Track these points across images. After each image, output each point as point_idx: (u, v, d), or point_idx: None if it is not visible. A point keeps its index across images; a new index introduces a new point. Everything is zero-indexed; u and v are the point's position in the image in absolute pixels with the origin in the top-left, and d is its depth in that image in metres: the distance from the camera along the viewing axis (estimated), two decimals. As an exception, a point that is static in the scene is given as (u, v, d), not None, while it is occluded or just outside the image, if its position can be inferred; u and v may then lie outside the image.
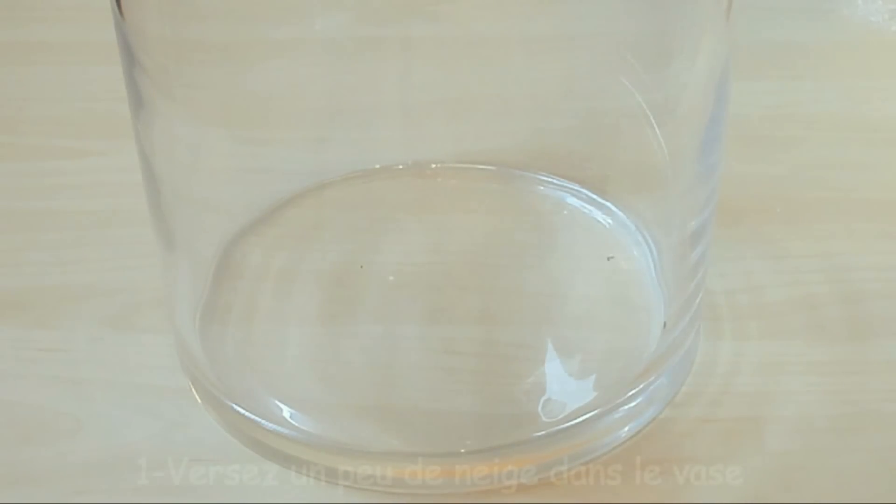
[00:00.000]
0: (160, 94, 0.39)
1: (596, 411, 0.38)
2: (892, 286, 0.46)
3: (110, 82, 0.43)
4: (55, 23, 0.65)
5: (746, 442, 0.40)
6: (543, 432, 0.38)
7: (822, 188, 0.52)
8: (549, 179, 0.46)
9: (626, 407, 0.39)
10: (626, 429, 0.40)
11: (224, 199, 0.45)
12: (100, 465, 0.39)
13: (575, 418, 0.38)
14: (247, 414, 0.39)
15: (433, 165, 0.46)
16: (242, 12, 0.41)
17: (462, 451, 0.37)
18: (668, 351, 0.41)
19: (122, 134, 0.43)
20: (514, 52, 0.37)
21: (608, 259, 0.43)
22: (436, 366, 0.38)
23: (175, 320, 0.42)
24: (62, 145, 0.55)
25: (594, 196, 0.46)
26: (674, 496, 0.38)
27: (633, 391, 0.39)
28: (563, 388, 0.39)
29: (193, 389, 0.42)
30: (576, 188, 0.46)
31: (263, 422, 0.39)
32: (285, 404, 0.38)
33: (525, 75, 0.39)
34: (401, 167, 0.45)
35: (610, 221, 0.45)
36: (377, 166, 0.45)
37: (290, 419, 0.38)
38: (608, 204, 0.46)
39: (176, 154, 0.41)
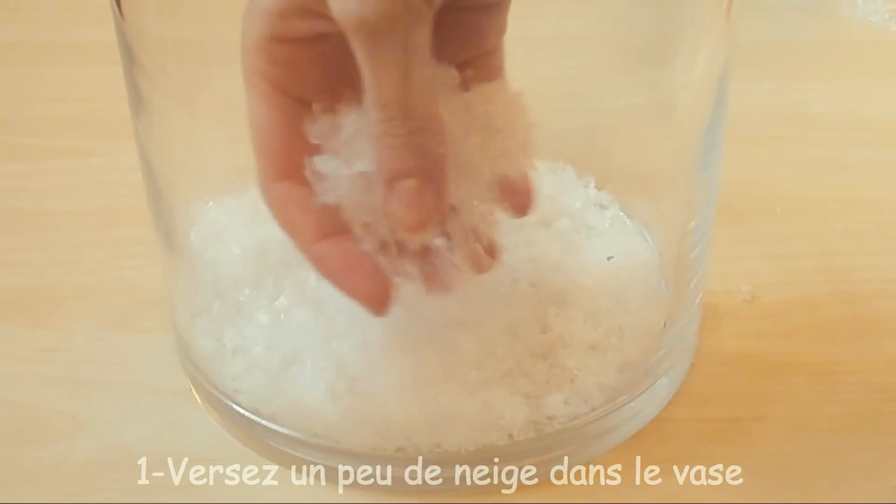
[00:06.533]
0: (160, 94, 0.39)
1: (596, 411, 0.38)
2: (892, 286, 0.46)
3: (110, 82, 0.43)
4: (55, 23, 0.65)
5: (746, 442, 0.40)
6: (543, 432, 0.38)
7: (822, 188, 0.52)
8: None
9: (626, 407, 0.39)
10: (626, 429, 0.40)
11: (223, 199, 0.45)
12: (100, 465, 0.39)
13: (575, 418, 0.38)
14: (247, 414, 0.39)
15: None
16: (242, 12, 0.41)
17: (462, 451, 0.37)
18: (668, 351, 0.41)
19: (122, 134, 0.43)
20: (514, 52, 0.37)
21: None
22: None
23: (175, 320, 0.42)
24: (62, 145, 0.55)
25: (594, 196, 0.46)
26: (674, 496, 0.38)
27: (633, 391, 0.39)
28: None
29: (193, 389, 0.42)
30: (575, 188, 0.46)
31: (263, 422, 0.39)
32: (285, 404, 0.38)
33: (525, 75, 0.39)
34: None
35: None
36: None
37: (290, 419, 0.38)
38: (608, 204, 0.46)
39: (176, 154, 0.41)
